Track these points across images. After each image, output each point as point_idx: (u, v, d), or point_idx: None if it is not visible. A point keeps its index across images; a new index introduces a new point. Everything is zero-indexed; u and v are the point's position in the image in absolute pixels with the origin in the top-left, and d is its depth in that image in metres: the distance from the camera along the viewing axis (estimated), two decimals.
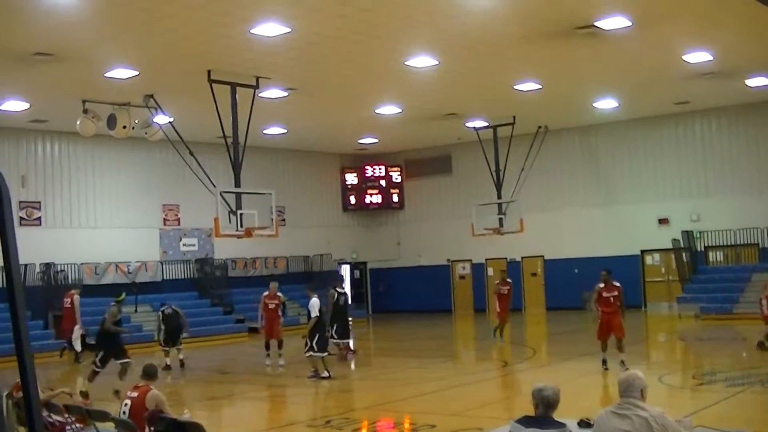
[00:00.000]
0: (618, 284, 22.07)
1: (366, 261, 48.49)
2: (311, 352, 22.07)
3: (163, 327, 26.55)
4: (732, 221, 37.83)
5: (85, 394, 18.73)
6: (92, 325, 33.65)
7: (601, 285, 22.04)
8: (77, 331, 29.19)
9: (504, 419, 8.51)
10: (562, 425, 7.91)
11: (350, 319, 28.98)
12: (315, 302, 23.02)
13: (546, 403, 8.04)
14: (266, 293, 26.38)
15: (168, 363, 25.74)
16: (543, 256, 43.79)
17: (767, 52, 28.35)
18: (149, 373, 11.93)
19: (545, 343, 32.87)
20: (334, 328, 26.05)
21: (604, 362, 21.51)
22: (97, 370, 20.43)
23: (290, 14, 21.23)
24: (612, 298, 21.76)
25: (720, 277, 37.04)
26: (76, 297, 29.98)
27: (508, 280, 32.28)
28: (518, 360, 26.29)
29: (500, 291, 31.60)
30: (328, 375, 21.96)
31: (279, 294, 26.65)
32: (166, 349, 26.44)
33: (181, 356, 26.59)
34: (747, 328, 30.15)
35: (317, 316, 22.91)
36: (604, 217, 41.29)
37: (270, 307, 26.06)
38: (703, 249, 39.04)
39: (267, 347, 25.93)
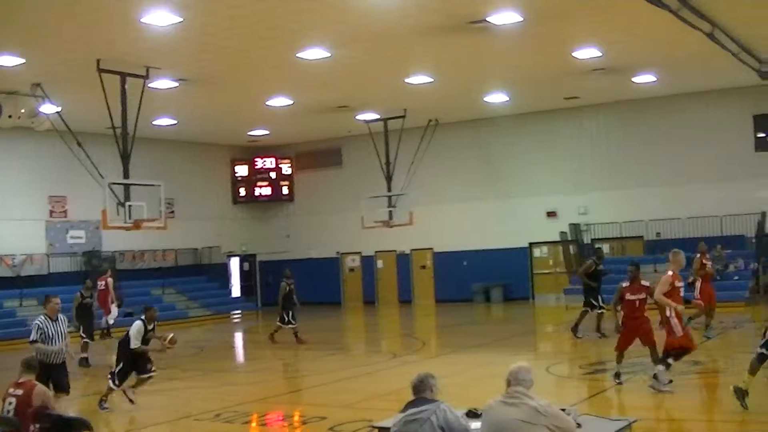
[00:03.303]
0: (648, 284, 16.95)
1: (255, 253, 48.31)
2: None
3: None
4: (618, 214, 38.56)
5: None
6: None
7: (625, 284, 17.06)
8: (115, 310, 29.28)
9: (394, 410, 8.59)
10: (435, 401, 8.24)
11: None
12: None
13: (413, 388, 8.42)
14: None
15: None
16: (432, 249, 44.06)
17: (654, 50, 28.92)
18: (31, 366, 11.60)
19: (435, 335, 33.05)
20: (290, 315, 28.57)
21: (617, 375, 17.18)
22: None
23: (182, 3, 21.04)
24: (638, 302, 16.73)
25: (606, 269, 37.56)
26: (110, 279, 29.49)
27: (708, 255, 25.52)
28: (408, 352, 26.41)
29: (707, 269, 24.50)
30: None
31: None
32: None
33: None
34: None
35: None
36: (493, 210, 41.70)
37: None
38: (590, 241, 39.67)
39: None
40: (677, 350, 15.79)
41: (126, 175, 26.67)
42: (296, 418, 16.31)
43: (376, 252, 45.53)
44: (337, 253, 46.66)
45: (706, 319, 23.83)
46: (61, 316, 15.60)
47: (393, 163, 38.13)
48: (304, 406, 17.65)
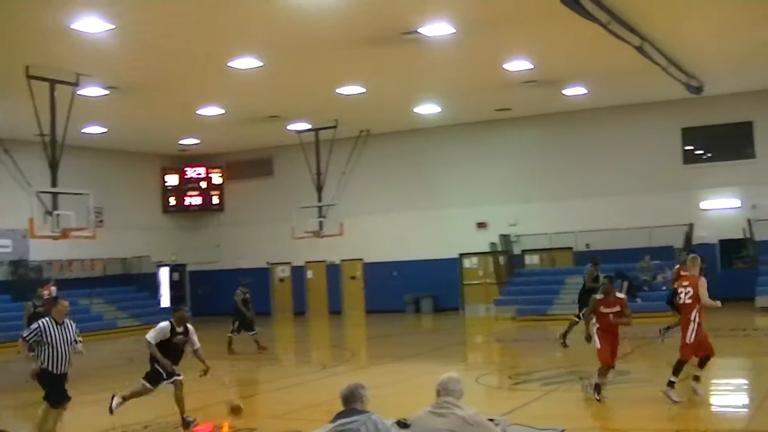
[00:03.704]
0: (622, 296, 17.00)
1: (185, 263, 48.00)
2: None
3: None
4: (548, 225, 38.80)
5: None
6: None
7: (599, 296, 16.75)
8: None
9: (324, 421, 8.59)
10: (365, 412, 8.34)
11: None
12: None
13: (343, 399, 8.51)
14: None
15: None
16: (362, 260, 44.06)
17: (584, 63, 29.25)
18: None
19: (365, 346, 33.07)
20: (235, 324, 28.69)
21: (598, 389, 16.19)
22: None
23: (113, 11, 20.88)
24: (612, 315, 16.35)
25: (536, 280, 37.97)
26: (53, 288, 29.82)
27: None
28: (338, 363, 26.39)
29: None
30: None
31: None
32: None
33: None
34: (561, 329, 30.93)
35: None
36: (424, 221, 41.81)
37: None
38: (520, 252, 39.96)
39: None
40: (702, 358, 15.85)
41: (54, 184, 26.39)
42: (226, 429, 16.23)
43: (306, 262, 45.44)
44: (267, 263, 46.48)
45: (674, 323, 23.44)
46: (67, 320, 14.29)
47: (324, 173, 38.10)
48: (234, 417, 17.56)
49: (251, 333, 28.92)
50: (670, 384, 15.47)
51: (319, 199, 37.82)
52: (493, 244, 39.86)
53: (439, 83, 31.78)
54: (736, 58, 29.68)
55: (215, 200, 47.42)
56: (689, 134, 38.03)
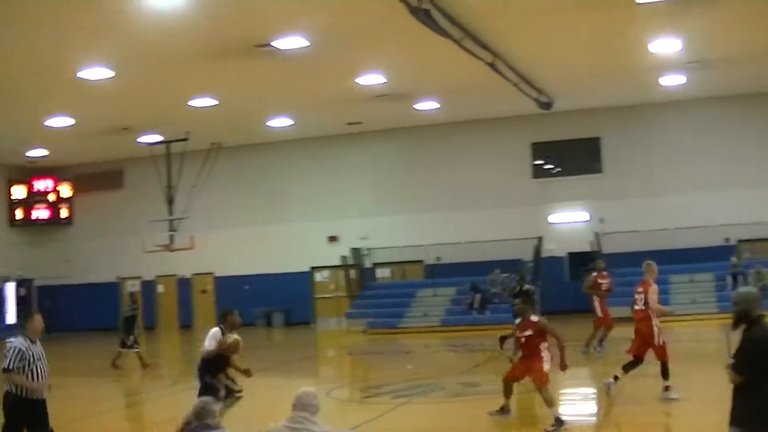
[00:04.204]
0: (537, 319, 14.93)
1: (32, 278, 46.92)
2: None
3: None
4: (399, 239, 39.06)
5: None
6: None
7: (517, 321, 15.33)
8: None
9: None
10: (218, 428, 8.32)
11: None
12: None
13: (195, 414, 8.42)
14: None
15: None
16: (214, 273, 43.73)
17: (437, 77, 29.61)
18: None
19: None
20: (132, 338, 27.35)
21: (503, 409, 15.12)
22: None
23: None
24: (524, 339, 14.86)
25: (387, 293, 38.18)
26: None
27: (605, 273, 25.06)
28: (189, 378, 26.11)
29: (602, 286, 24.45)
30: None
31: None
32: None
33: None
34: (412, 341, 31.23)
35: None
36: (276, 235, 41.70)
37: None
38: (371, 266, 40.15)
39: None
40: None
41: None
42: None
43: (156, 276, 44.88)
44: (117, 277, 45.76)
45: (602, 333, 23.65)
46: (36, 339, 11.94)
47: (175, 186, 37.72)
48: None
49: (121, 348, 28.00)
50: (666, 388, 15.87)
51: (170, 213, 37.45)
52: (344, 258, 39.97)
53: (291, 96, 31.76)
54: (584, 75, 30.44)
55: (64, 213, 46.46)
56: (539, 149, 38.87)
